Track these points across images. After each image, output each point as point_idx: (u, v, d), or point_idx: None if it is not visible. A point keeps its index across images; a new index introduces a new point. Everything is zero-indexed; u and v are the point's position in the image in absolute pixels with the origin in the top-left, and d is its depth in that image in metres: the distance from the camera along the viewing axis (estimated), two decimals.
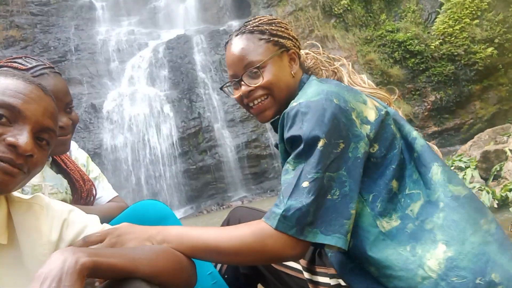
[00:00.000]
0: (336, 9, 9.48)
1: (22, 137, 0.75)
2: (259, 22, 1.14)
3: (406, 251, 0.89)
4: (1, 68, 1.20)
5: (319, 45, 1.23)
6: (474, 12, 8.56)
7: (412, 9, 9.31)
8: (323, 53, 1.21)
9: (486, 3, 8.31)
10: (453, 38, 8.64)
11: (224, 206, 7.57)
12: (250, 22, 1.15)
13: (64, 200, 1.26)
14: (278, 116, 1.12)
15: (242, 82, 1.10)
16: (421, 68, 8.91)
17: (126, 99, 8.22)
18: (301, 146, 0.91)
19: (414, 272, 0.86)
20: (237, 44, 1.12)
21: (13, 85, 0.78)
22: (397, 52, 8.89)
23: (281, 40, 1.12)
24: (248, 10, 10.07)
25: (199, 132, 8.01)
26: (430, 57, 8.80)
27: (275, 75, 1.09)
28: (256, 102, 1.11)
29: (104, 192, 1.48)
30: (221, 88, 1.24)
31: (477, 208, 0.92)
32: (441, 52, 8.65)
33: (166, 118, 8.04)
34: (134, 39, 9.58)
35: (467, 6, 8.57)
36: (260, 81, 1.08)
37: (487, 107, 8.83)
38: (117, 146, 7.79)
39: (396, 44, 8.92)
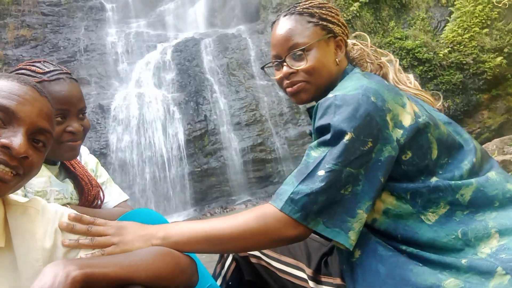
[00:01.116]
0: (345, 15, 9.48)
1: (16, 138, 0.74)
2: (310, 4, 1.12)
3: (457, 238, 0.87)
4: (20, 71, 1.22)
5: (367, 37, 1.19)
6: (484, 21, 8.51)
7: (421, 17, 9.28)
8: (371, 46, 1.19)
9: (496, 12, 8.27)
10: (462, 47, 8.59)
11: (227, 210, 7.56)
12: (301, 4, 1.13)
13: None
14: (314, 103, 1.10)
15: (285, 63, 1.08)
16: (429, 76, 8.87)
17: (133, 100, 8.26)
18: (328, 136, 0.89)
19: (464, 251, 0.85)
20: (284, 25, 1.09)
21: (7, 87, 0.77)
22: (405, 60, 8.86)
23: (330, 25, 1.09)
24: (257, 15, 10.09)
25: (205, 135, 8.03)
26: (439, 65, 8.75)
27: (319, 60, 1.06)
28: (293, 84, 1.08)
29: (111, 197, 1.48)
30: (262, 68, 1.24)
31: None
32: (450, 61, 8.61)
33: (173, 120, 8.07)
34: (143, 41, 9.64)
35: (477, 15, 8.52)
36: (303, 64, 1.06)
37: (495, 116, 8.76)
38: (123, 147, 7.83)
39: (404, 51, 8.89)
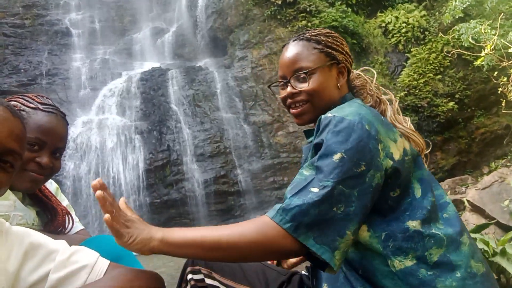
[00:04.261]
0: None
1: None
2: (318, 32, 1.20)
3: None
4: (18, 98, 1.22)
5: (374, 72, 1.27)
6: (437, 68, 9.11)
7: (380, 61, 9.82)
8: (375, 83, 1.25)
9: (448, 61, 8.89)
10: (417, 91, 9.11)
11: None
12: (310, 31, 1.21)
13: None
14: (311, 126, 1.16)
15: (289, 84, 1.14)
16: None
17: (94, 127, 8.06)
18: (319, 154, 0.92)
19: None
20: (293, 49, 1.18)
21: None
22: None
23: (334, 52, 1.17)
24: (225, 50, 10.32)
25: (167, 165, 7.89)
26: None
27: (320, 83, 1.13)
28: (297, 104, 1.15)
29: (70, 223, 1.44)
30: (269, 86, 1.30)
31: (492, 285, 0.93)
32: (406, 103, 9.07)
33: (134, 149, 7.90)
34: (108, 68, 9.55)
35: (431, 62, 9.13)
36: (305, 86, 1.13)
37: (448, 158, 9.21)
38: (80, 174, 7.54)
39: None
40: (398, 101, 1.24)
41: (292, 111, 1.18)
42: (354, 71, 1.27)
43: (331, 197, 0.87)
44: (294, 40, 1.21)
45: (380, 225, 0.95)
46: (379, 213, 0.95)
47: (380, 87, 1.26)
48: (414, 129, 1.16)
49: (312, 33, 1.19)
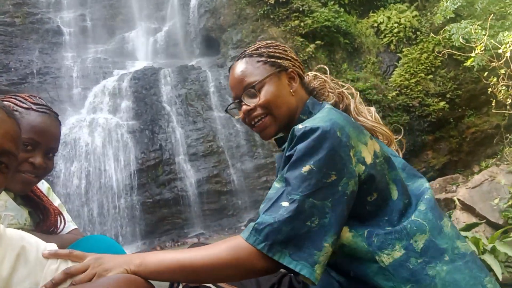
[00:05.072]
0: (301, 55, 9.89)
1: None
2: (258, 46, 1.20)
3: None
4: (11, 98, 1.22)
5: (327, 68, 1.25)
6: (428, 68, 9.18)
7: (372, 61, 9.87)
8: (332, 79, 1.24)
9: (439, 61, 8.96)
10: (408, 91, 9.17)
11: (179, 243, 7.33)
12: (250, 47, 1.21)
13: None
14: (281, 134, 1.16)
15: (242, 103, 1.14)
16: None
17: (85, 126, 8.00)
18: (288, 165, 0.92)
19: None
20: (238, 68, 1.18)
21: None
22: None
23: (278, 61, 1.16)
24: (218, 49, 10.30)
25: (159, 165, 7.86)
26: (387, 106, 9.25)
27: (272, 93, 1.12)
28: (256, 120, 1.14)
29: (62, 223, 1.44)
30: (226, 110, 1.29)
31: (480, 266, 0.93)
32: (397, 103, 9.13)
33: (126, 148, 7.86)
34: (100, 67, 9.48)
35: (423, 62, 9.20)
36: (257, 100, 1.11)
37: (439, 157, 9.29)
38: (71, 174, 7.48)
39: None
40: (359, 93, 1.22)
41: (255, 129, 1.17)
42: (309, 72, 1.25)
43: (302, 212, 0.86)
44: (237, 60, 1.21)
45: (361, 224, 0.95)
46: (358, 219, 0.94)
47: (340, 83, 1.24)
48: (378, 120, 1.16)
49: (253, 48, 1.19)
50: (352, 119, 1.07)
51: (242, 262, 0.87)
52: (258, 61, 1.16)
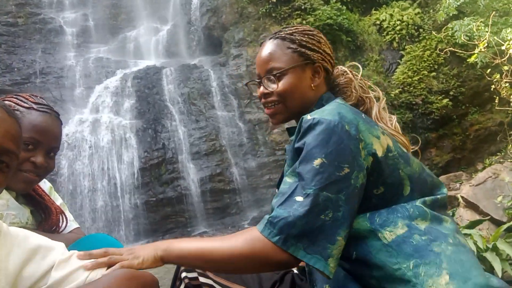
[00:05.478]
0: None
1: None
2: (294, 30, 1.17)
3: (408, 269, 0.86)
4: (12, 98, 1.22)
5: (360, 68, 1.22)
6: (431, 65, 9.15)
7: (374, 59, 9.84)
8: (361, 79, 1.19)
9: (442, 58, 8.92)
10: (411, 88, 9.14)
11: None
12: (286, 29, 1.18)
13: None
14: (294, 123, 1.16)
15: (262, 84, 1.14)
16: None
17: (88, 126, 8.03)
18: (299, 159, 0.91)
19: None
20: (267, 48, 1.16)
21: None
22: None
23: (308, 52, 1.13)
24: (220, 48, 10.30)
25: (162, 163, 7.88)
26: (390, 104, 9.22)
27: (292, 84, 1.11)
28: (269, 105, 1.14)
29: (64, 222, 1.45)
30: (246, 84, 1.29)
31: (478, 262, 0.92)
32: (400, 101, 9.10)
33: (129, 148, 7.88)
34: (102, 66, 9.50)
35: (425, 59, 9.16)
36: (275, 87, 1.11)
37: (442, 154, 9.26)
38: (74, 173, 7.51)
39: None
40: (385, 99, 1.19)
41: (266, 111, 1.18)
42: (341, 67, 1.23)
43: (316, 205, 0.86)
44: (270, 38, 1.19)
45: (363, 212, 0.94)
46: (363, 211, 0.94)
47: (368, 84, 1.22)
48: (398, 129, 1.14)
49: (288, 32, 1.17)
50: (363, 114, 1.05)
51: (257, 254, 0.87)
52: (289, 47, 1.14)
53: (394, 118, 1.18)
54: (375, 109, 1.15)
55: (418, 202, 0.95)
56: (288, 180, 0.93)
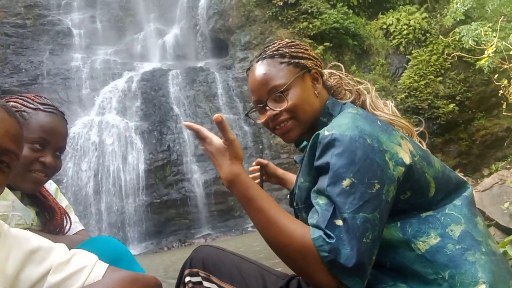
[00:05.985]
0: None
1: None
2: (279, 46, 1.14)
3: (444, 279, 0.85)
4: (18, 99, 1.23)
5: (341, 65, 1.21)
6: (438, 70, 9.11)
7: (381, 63, 9.82)
8: (347, 75, 1.18)
9: (449, 63, 8.88)
10: (418, 93, 9.10)
11: (186, 244, 7.34)
12: (270, 47, 1.15)
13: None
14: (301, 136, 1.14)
15: (267, 107, 1.09)
16: None
17: (94, 127, 8.06)
18: (326, 181, 0.89)
19: None
20: (259, 70, 1.12)
21: None
22: None
23: (302, 61, 1.11)
24: (226, 51, 10.33)
25: (167, 165, 7.89)
26: (396, 109, 9.19)
27: (299, 97, 1.08)
28: (281, 124, 1.10)
29: (68, 224, 1.45)
30: (246, 115, 1.22)
31: (507, 268, 0.91)
32: (407, 105, 9.07)
33: (134, 149, 7.91)
34: (109, 68, 9.56)
35: (432, 64, 9.13)
36: (285, 105, 1.07)
37: (448, 159, 9.21)
38: (80, 174, 7.54)
39: None
40: (374, 88, 1.16)
41: (277, 132, 1.12)
42: (324, 70, 1.21)
43: (357, 229, 0.84)
44: (257, 61, 1.14)
45: (392, 219, 0.92)
46: (391, 218, 0.93)
47: (355, 78, 1.21)
48: (396, 113, 1.12)
49: (273, 49, 1.13)
50: (379, 121, 1.03)
51: (305, 260, 0.86)
52: (281, 63, 1.10)
53: (389, 103, 1.15)
54: (368, 99, 1.14)
55: (448, 209, 0.94)
56: (321, 202, 0.89)
